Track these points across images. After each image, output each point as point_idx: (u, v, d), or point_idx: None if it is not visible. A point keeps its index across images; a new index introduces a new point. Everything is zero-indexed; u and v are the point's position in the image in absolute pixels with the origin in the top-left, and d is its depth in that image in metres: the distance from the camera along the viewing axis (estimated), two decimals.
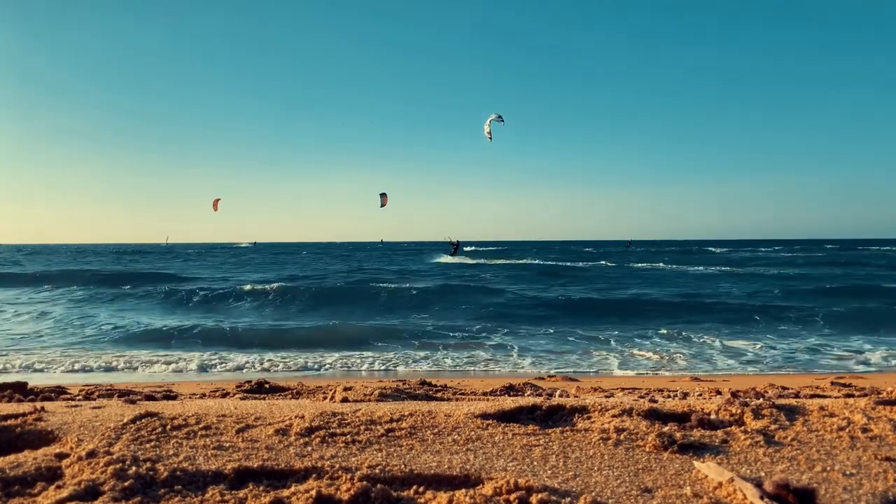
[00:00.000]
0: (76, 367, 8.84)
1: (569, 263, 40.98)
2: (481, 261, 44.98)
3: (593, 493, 1.47)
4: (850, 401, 2.29)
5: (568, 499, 1.43)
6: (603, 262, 40.30)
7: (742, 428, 1.99)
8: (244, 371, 8.78)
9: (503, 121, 19.86)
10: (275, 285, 20.50)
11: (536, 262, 43.83)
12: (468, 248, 73.31)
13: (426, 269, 33.60)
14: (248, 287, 20.44)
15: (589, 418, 2.16)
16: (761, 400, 2.31)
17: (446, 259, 46.95)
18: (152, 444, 1.81)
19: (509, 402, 2.40)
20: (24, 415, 2.17)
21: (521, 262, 44.62)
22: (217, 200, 36.79)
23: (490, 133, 20.01)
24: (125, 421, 2.03)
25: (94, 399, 3.24)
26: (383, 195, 29.97)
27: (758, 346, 10.57)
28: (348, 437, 1.93)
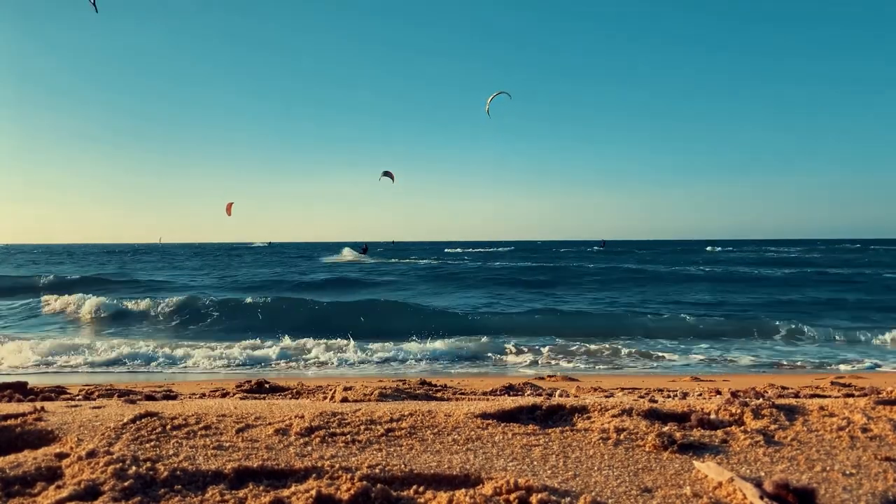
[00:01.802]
0: None
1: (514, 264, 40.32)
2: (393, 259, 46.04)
3: (593, 493, 1.47)
4: (850, 401, 2.29)
5: (568, 498, 1.43)
6: (546, 263, 39.55)
7: (742, 428, 1.99)
8: None
9: (510, 96, 20.42)
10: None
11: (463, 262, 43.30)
12: (451, 250, 74.19)
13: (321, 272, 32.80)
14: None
15: (589, 418, 2.16)
16: (761, 400, 2.31)
17: (332, 259, 49.93)
18: (152, 443, 1.81)
19: (509, 402, 2.40)
20: (24, 415, 2.17)
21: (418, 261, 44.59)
22: (230, 204, 35.99)
23: (489, 110, 20.63)
24: (125, 421, 2.04)
25: (94, 399, 3.24)
26: (387, 173, 29.77)
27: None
28: (348, 436, 1.93)
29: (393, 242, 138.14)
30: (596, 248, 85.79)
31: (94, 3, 10.96)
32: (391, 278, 29.24)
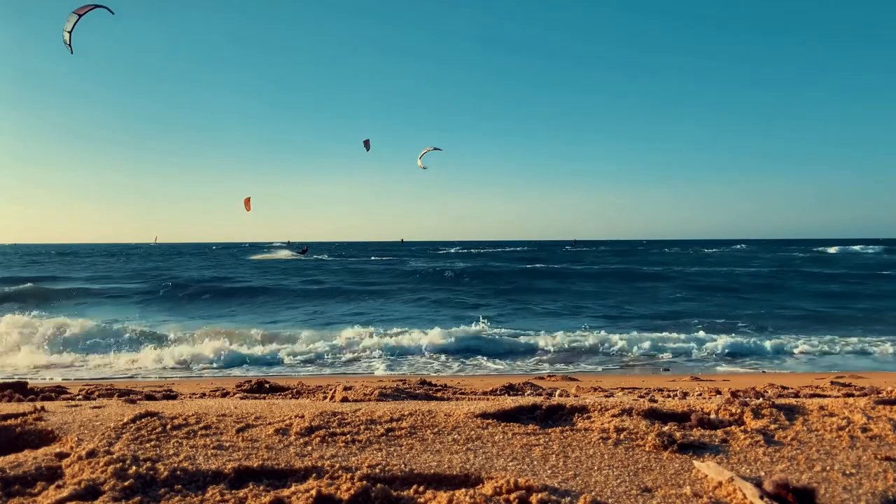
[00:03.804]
0: None
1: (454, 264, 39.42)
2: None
3: (593, 493, 1.47)
4: (850, 400, 2.29)
5: (568, 498, 1.43)
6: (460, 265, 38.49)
7: (742, 427, 1.99)
8: None
9: (441, 150, 21.72)
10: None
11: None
12: (440, 251, 75.32)
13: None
14: None
15: (589, 418, 2.16)
16: (761, 400, 2.31)
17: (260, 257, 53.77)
18: (152, 443, 1.82)
19: (509, 402, 2.40)
20: (24, 414, 2.17)
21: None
22: (248, 199, 35.07)
23: (423, 164, 21.94)
24: (125, 420, 2.04)
25: (95, 399, 3.24)
26: (365, 142, 29.44)
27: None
28: (348, 436, 1.93)
29: (401, 241, 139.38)
30: (567, 247, 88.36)
31: (69, 45, 11.19)
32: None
